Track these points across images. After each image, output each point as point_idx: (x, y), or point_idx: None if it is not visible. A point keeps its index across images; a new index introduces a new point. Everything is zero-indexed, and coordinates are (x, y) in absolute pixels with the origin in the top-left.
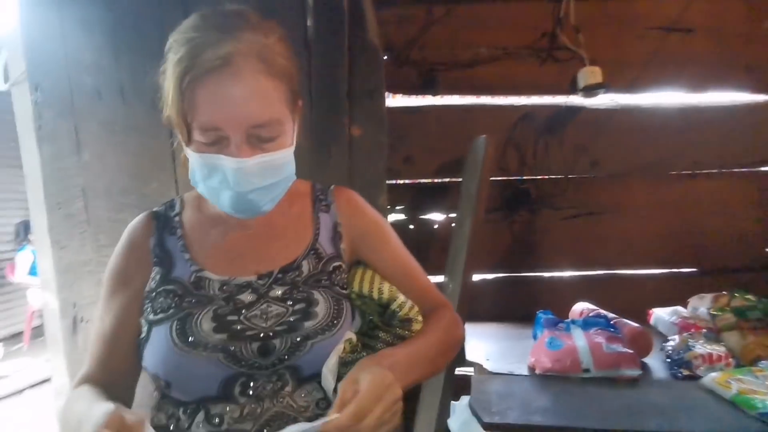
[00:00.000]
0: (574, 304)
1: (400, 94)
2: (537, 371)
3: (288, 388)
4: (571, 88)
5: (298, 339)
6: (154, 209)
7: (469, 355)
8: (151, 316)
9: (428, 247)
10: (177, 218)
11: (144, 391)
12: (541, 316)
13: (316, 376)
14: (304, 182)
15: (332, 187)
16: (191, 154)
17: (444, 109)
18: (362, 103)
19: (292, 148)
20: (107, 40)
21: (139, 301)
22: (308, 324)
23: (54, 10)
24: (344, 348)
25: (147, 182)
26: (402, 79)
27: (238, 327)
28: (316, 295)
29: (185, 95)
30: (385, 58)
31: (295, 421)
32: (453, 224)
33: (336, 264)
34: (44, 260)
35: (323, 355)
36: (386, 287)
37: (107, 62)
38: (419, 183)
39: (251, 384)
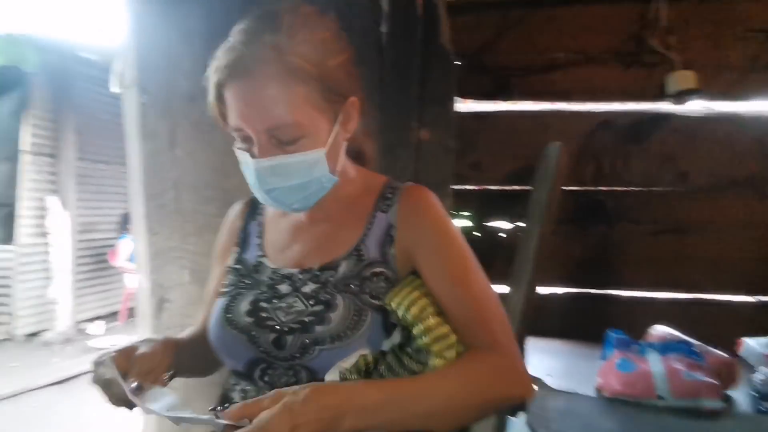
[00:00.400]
0: (650, 327)
1: (472, 100)
2: (604, 393)
3: (294, 378)
4: (659, 95)
5: (307, 341)
6: (252, 197)
7: (530, 370)
8: (222, 289)
9: (494, 256)
10: (261, 206)
11: None
12: (613, 335)
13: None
14: (380, 177)
15: (405, 185)
16: (235, 150)
17: (516, 115)
18: (432, 107)
19: (321, 150)
20: (203, 49)
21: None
22: (320, 328)
23: (160, 24)
24: (354, 363)
25: (228, 177)
26: (474, 85)
27: (263, 315)
28: (338, 300)
29: (219, 99)
30: (458, 63)
31: None
32: (520, 233)
33: (377, 270)
34: (139, 245)
35: (328, 364)
36: (419, 305)
37: (201, 69)
38: (487, 189)
39: (269, 371)
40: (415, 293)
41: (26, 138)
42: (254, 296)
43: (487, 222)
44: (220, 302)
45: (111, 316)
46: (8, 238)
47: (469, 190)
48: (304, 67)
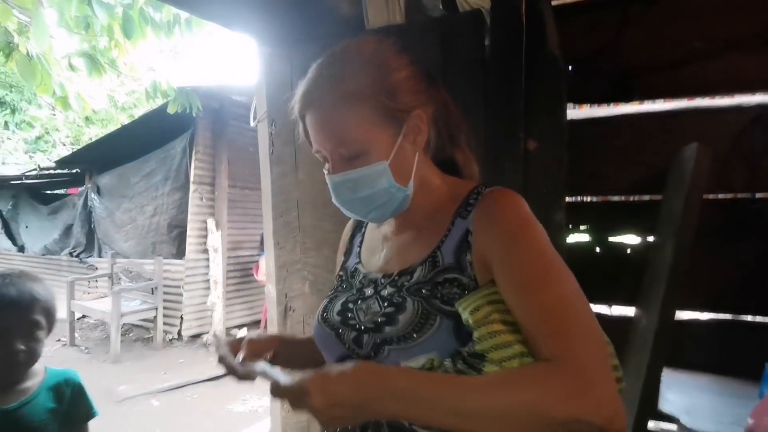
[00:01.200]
0: None
1: (588, 105)
2: None
3: None
4: None
5: (379, 341)
6: None
7: (665, 407)
8: (328, 291)
9: (617, 275)
10: (365, 222)
11: None
12: None
13: None
14: (467, 185)
15: (489, 189)
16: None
17: (640, 117)
18: (540, 117)
19: (383, 163)
20: None
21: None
22: (388, 329)
23: (285, 65)
24: (421, 365)
25: None
26: (590, 90)
27: (349, 315)
28: (408, 303)
29: (304, 128)
30: (571, 68)
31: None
32: (650, 249)
33: (450, 276)
34: (268, 258)
35: (395, 363)
36: (484, 311)
37: None
38: (608, 201)
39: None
40: (483, 300)
41: (192, 170)
42: (346, 298)
43: (609, 236)
44: (324, 303)
45: (254, 324)
46: (180, 254)
47: (589, 202)
48: (359, 90)
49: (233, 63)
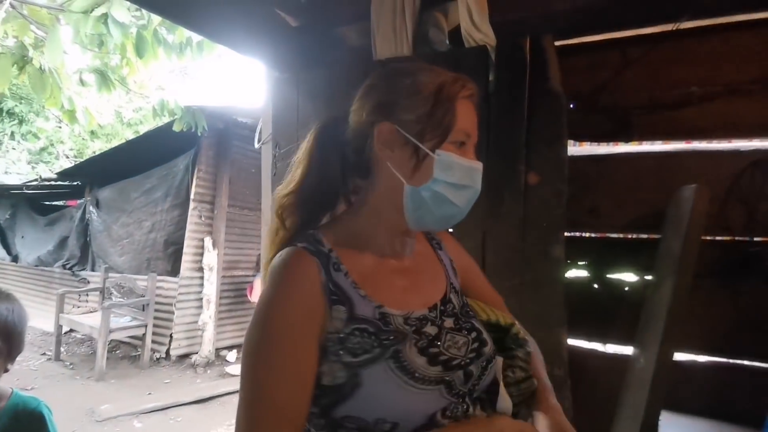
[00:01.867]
0: None
1: (588, 142)
2: None
3: (471, 410)
4: None
5: (484, 364)
6: (302, 245)
7: None
8: (351, 359)
9: (615, 312)
10: (333, 254)
11: None
12: None
13: (483, 394)
14: None
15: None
16: (444, 156)
17: (640, 156)
18: (541, 151)
19: None
20: (324, 108)
21: (315, 348)
22: (486, 349)
23: (291, 88)
24: (501, 369)
25: None
26: (591, 127)
27: (445, 358)
28: (476, 323)
29: (454, 105)
30: (572, 105)
31: None
32: (648, 288)
33: (464, 297)
34: (262, 282)
35: (492, 377)
36: (501, 315)
37: None
38: (607, 237)
39: (448, 408)
40: (490, 307)
41: (193, 188)
42: (415, 346)
43: (607, 273)
44: (379, 370)
45: None
46: (175, 272)
47: (587, 237)
48: None
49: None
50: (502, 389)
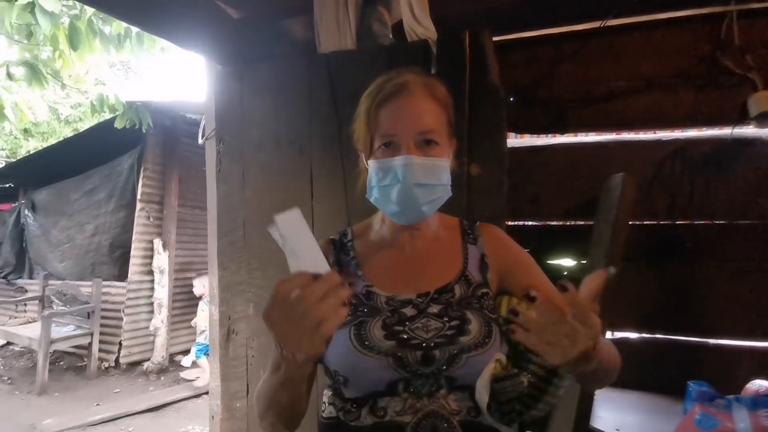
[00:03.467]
0: (746, 381)
1: (528, 134)
2: None
3: (443, 391)
4: (739, 118)
5: (455, 351)
6: (331, 237)
7: (597, 423)
8: None
9: None
10: (350, 243)
11: None
12: (694, 387)
13: (468, 387)
14: (453, 218)
15: (478, 222)
16: (371, 164)
17: (574, 147)
18: (481, 143)
19: (449, 162)
20: (270, 102)
21: None
22: (463, 339)
23: (235, 83)
24: (495, 367)
25: None
26: (529, 119)
27: (404, 336)
28: (469, 315)
29: (372, 116)
30: (512, 99)
31: (447, 421)
32: (583, 272)
33: (484, 291)
34: (212, 279)
35: (475, 369)
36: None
37: (268, 118)
38: (547, 225)
39: (411, 383)
40: (522, 304)
41: (140, 188)
42: (381, 321)
43: (548, 259)
44: (343, 333)
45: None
46: (122, 276)
47: (529, 225)
48: (443, 98)
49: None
50: (479, 380)
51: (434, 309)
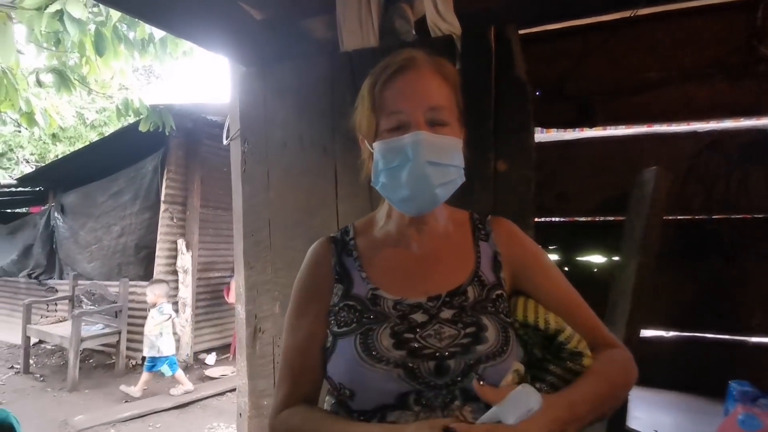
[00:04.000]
0: None
1: (555, 129)
2: None
3: (457, 402)
4: None
5: (471, 362)
6: (331, 235)
7: (633, 424)
8: (336, 329)
9: (585, 293)
10: (352, 242)
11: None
12: (736, 387)
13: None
14: (462, 211)
15: (489, 216)
16: (378, 147)
17: (604, 141)
18: (508, 138)
19: (461, 143)
20: (293, 102)
21: (325, 314)
22: (480, 348)
23: (259, 84)
24: (512, 378)
25: (313, 216)
26: (556, 114)
27: (416, 345)
28: (485, 320)
29: (378, 96)
30: (537, 93)
31: None
32: (615, 268)
33: (498, 292)
34: (239, 278)
35: (493, 380)
36: (552, 317)
37: (292, 119)
38: (575, 221)
39: (423, 395)
40: (541, 308)
41: (164, 190)
42: (390, 329)
43: (576, 256)
44: (348, 342)
45: (224, 348)
46: (148, 276)
47: (556, 222)
48: (453, 79)
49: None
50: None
51: (447, 314)
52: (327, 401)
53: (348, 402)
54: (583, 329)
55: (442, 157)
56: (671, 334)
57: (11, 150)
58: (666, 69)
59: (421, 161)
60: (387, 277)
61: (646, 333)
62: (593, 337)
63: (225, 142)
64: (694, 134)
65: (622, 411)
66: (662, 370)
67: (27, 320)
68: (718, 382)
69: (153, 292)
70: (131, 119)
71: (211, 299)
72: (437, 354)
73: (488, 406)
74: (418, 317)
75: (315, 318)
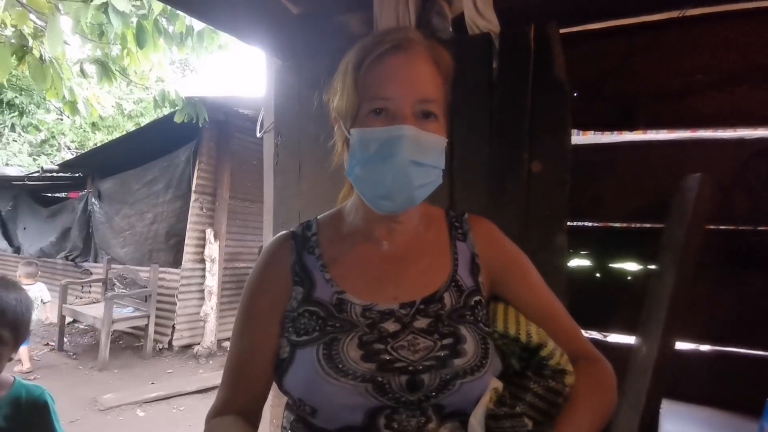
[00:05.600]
0: None
1: (593, 131)
2: None
3: (432, 425)
4: None
5: (448, 377)
6: (293, 230)
7: None
8: (294, 337)
9: (618, 302)
10: (314, 238)
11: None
12: None
13: (459, 414)
14: (437, 208)
15: (466, 214)
16: (356, 134)
17: (644, 145)
18: (544, 139)
19: (444, 140)
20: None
21: (277, 321)
22: (458, 362)
23: (292, 78)
24: (491, 397)
25: None
26: (595, 116)
27: (386, 357)
28: (463, 331)
29: (362, 75)
30: (576, 94)
31: None
32: (651, 277)
33: (477, 298)
34: None
35: (470, 396)
36: (534, 330)
37: (325, 112)
38: (610, 227)
39: (395, 417)
40: (522, 318)
41: (195, 180)
42: (358, 339)
43: (610, 262)
44: (308, 353)
45: None
46: (177, 263)
47: (589, 227)
48: (446, 68)
49: (242, 77)
50: (474, 416)
51: (422, 323)
52: (286, 417)
53: (309, 419)
54: (563, 339)
55: (426, 157)
56: (708, 347)
57: (53, 137)
58: (713, 72)
59: (405, 159)
60: (354, 280)
61: (682, 345)
62: (574, 348)
63: (258, 134)
64: (742, 141)
65: (652, 424)
66: (697, 385)
67: (63, 300)
68: (754, 400)
69: (21, 272)
70: (167, 110)
71: (236, 288)
72: (410, 368)
73: (464, 425)
74: (390, 326)
75: (264, 324)
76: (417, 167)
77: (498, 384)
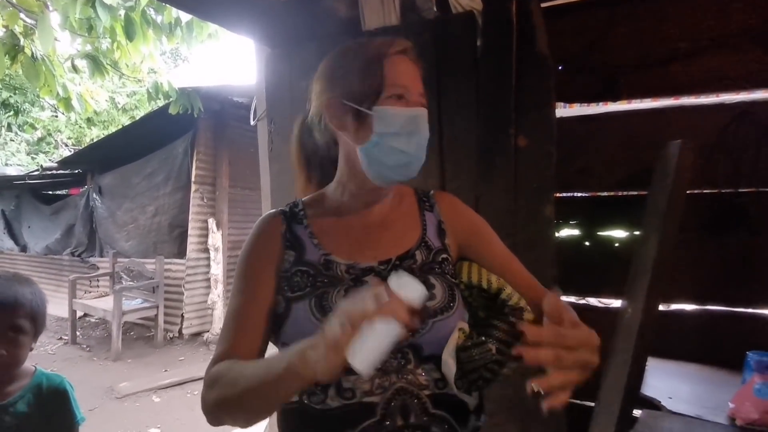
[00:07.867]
0: None
1: (578, 103)
2: (738, 422)
3: (410, 366)
4: None
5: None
6: (281, 209)
7: (649, 392)
8: (289, 294)
9: (607, 268)
10: (302, 212)
11: None
12: (753, 356)
13: (434, 357)
14: (407, 187)
15: (432, 191)
16: (385, 112)
17: (628, 114)
18: (529, 113)
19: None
20: None
21: (272, 279)
22: (429, 303)
23: (283, 63)
24: (459, 336)
25: None
26: (579, 88)
27: None
28: (432, 279)
29: (386, 65)
30: (560, 68)
31: (417, 397)
32: (637, 243)
33: (443, 256)
34: None
35: (442, 334)
36: (494, 278)
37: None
38: (597, 196)
39: None
40: (483, 270)
41: (194, 171)
42: (344, 291)
43: (598, 231)
44: (302, 305)
45: None
46: (181, 254)
47: (578, 197)
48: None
49: (234, 65)
50: (445, 351)
51: None
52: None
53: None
54: (523, 289)
55: (426, 132)
56: (692, 307)
57: (50, 134)
58: (693, 39)
59: (425, 135)
60: (338, 244)
61: (670, 306)
62: (534, 295)
63: (252, 122)
64: (723, 106)
65: (637, 379)
66: (682, 342)
67: (72, 295)
68: (737, 355)
69: None
70: (161, 102)
71: None
72: None
73: (438, 365)
74: (369, 279)
75: (260, 281)
76: (426, 142)
77: (464, 325)
